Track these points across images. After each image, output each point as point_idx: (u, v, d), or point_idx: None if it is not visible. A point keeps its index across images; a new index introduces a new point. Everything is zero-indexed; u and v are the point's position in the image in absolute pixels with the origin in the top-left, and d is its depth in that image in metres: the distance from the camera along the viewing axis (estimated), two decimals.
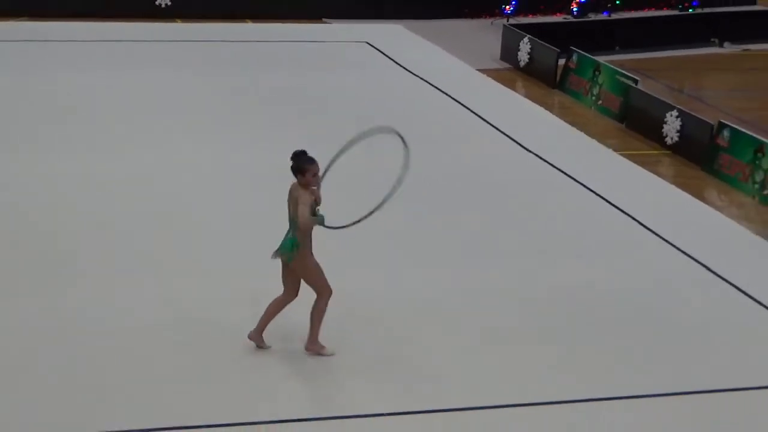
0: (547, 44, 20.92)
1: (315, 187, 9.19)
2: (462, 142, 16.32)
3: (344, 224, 9.25)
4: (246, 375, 9.24)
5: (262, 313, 9.55)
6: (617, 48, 23.64)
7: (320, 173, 9.17)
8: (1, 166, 14.17)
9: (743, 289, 11.35)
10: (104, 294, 10.52)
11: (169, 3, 25.38)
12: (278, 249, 9.26)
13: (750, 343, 10.28)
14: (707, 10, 26.20)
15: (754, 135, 15.28)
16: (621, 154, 16.14)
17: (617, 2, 25.90)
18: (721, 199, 14.76)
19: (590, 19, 25.11)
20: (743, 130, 15.58)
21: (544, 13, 26.02)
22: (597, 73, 19.18)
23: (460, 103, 18.32)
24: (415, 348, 9.84)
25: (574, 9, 25.18)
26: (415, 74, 20.22)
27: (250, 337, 9.53)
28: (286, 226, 9.31)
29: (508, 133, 16.65)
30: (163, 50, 21.57)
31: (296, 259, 9.18)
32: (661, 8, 26.64)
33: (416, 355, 9.72)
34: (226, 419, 8.61)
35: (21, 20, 23.83)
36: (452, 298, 10.88)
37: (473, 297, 10.92)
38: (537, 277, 11.49)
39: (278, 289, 9.46)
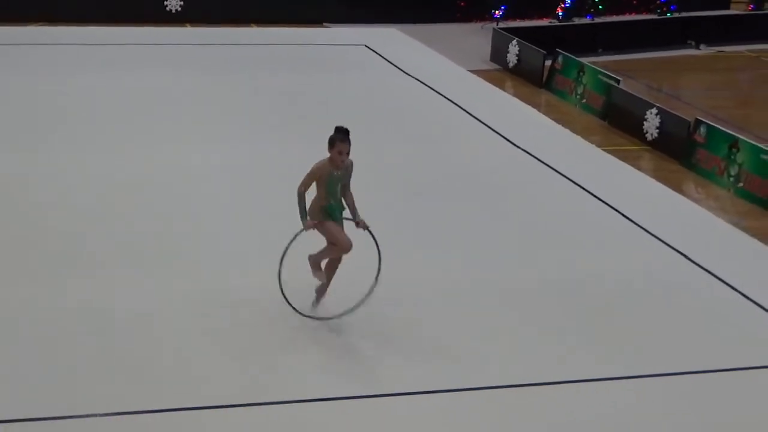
0: (534, 46, 21.09)
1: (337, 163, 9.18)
2: (453, 139, 16.34)
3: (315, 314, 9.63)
4: (247, 375, 9.00)
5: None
6: (600, 50, 23.93)
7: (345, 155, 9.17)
8: (6, 166, 13.96)
9: (717, 275, 11.45)
10: (104, 294, 10.27)
11: (180, 9, 25.66)
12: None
13: (723, 325, 10.33)
14: (684, 14, 26.58)
15: (729, 131, 15.45)
16: (604, 150, 16.24)
17: (600, 7, 26.25)
18: (699, 191, 14.87)
19: (574, 23, 25.37)
20: (718, 126, 15.72)
21: (532, 17, 26.29)
22: (581, 73, 19.38)
23: (452, 101, 18.42)
24: (427, 329, 9.87)
25: (560, 13, 25.43)
26: (410, 75, 20.37)
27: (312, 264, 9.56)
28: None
29: (497, 130, 16.73)
30: (167, 53, 21.65)
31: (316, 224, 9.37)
32: (641, 12, 27.07)
33: (432, 336, 9.72)
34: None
35: (35, 25, 24.00)
36: (448, 294, 10.68)
37: (466, 293, 10.76)
38: (524, 268, 11.40)
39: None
